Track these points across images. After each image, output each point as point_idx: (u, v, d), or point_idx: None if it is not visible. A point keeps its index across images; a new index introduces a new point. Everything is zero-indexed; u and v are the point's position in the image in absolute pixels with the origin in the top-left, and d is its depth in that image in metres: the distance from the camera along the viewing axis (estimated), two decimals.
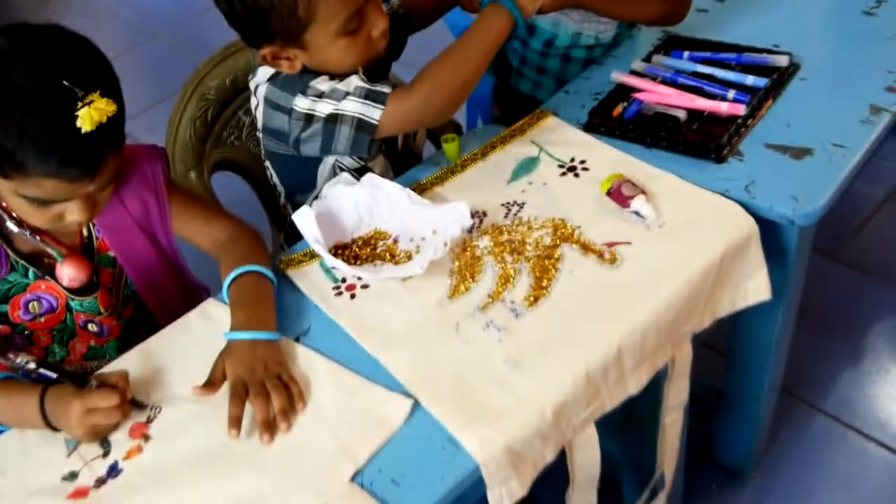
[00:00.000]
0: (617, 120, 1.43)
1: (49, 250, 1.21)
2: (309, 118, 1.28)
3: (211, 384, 1.08)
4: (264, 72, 1.33)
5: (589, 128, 1.44)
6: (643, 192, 1.26)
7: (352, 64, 1.30)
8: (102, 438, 1.07)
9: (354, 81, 1.28)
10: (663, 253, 1.20)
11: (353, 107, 1.26)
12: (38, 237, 1.19)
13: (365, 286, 1.23)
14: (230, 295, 1.19)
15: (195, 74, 1.64)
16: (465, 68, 1.27)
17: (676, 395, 1.30)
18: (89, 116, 1.01)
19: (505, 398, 1.04)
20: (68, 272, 1.21)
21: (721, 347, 1.65)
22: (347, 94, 1.27)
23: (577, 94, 1.55)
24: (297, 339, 1.17)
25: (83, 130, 1.01)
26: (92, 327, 1.27)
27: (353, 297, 1.22)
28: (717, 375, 1.68)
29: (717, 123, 1.38)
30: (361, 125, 1.26)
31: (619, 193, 1.27)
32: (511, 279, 1.20)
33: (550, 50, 1.70)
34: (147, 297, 1.31)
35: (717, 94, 1.41)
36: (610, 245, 1.22)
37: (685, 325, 1.19)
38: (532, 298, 1.16)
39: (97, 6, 3.91)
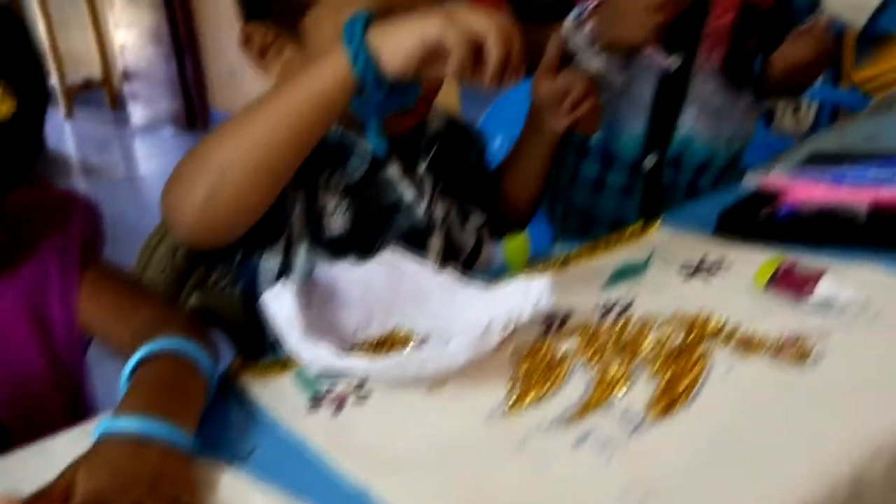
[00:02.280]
0: (763, 221, 0.97)
1: None
2: None
3: (35, 500, 0.55)
4: None
5: (721, 233, 0.98)
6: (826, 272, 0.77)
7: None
8: None
9: None
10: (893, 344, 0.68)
11: None
12: None
13: (363, 397, 0.71)
14: (130, 381, 0.69)
15: None
16: (228, 150, 0.71)
17: None
18: None
19: None
20: None
21: None
22: None
23: (698, 209, 1.10)
24: (228, 463, 0.64)
25: None
26: None
27: (339, 407, 0.70)
28: None
29: None
30: None
31: (792, 277, 0.78)
32: (620, 383, 0.67)
33: (701, 178, 1.25)
34: (10, 420, 0.80)
35: None
36: (792, 340, 0.71)
37: None
38: (661, 406, 0.63)
39: None
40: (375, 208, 0.92)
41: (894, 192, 0.95)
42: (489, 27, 0.66)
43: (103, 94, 6.24)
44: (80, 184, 4.62)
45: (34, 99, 0.69)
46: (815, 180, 1.03)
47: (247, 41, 0.87)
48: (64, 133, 5.78)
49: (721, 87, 1.18)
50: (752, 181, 1.06)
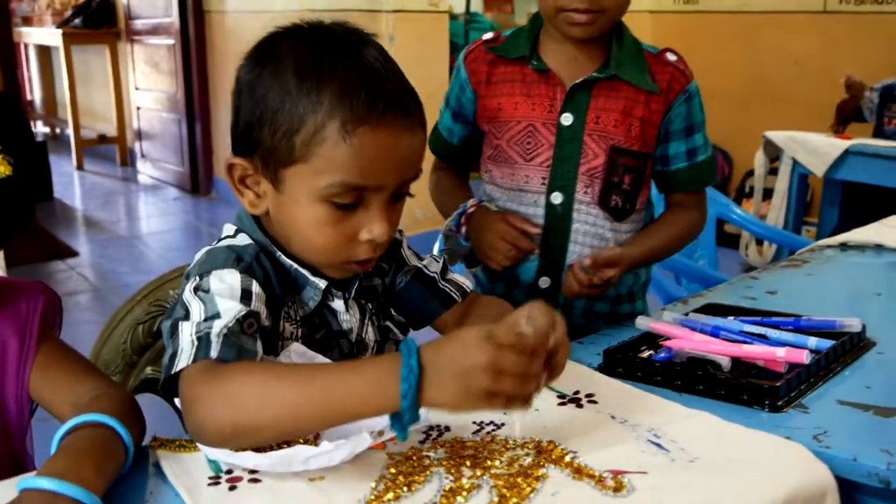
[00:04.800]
0: (641, 362, 1.11)
1: None
2: (183, 311, 0.90)
3: None
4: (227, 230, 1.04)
5: (605, 369, 1.12)
6: None
7: (315, 252, 0.97)
8: None
9: (235, 302, 0.89)
10: (694, 488, 0.81)
11: (186, 334, 0.87)
12: None
13: (255, 480, 0.85)
14: (59, 445, 0.82)
15: (159, 278, 1.39)
16: (264, 413, 0.81)
17: None
18: None
19: None
20: None
21: None
22: (210, 315, 0.88)
23: (593, 344, 1.24)
24: None
25: None
26: None
27: (232, 488, 0.83)
28: None
29: (770, 375, 1.05)
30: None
31: None
32: (463, 493, 0.81)
33: (596, 304, 1.43)
34: None
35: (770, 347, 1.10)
36: (616, 473, 0.84)
37: None
38: None
39: None
40: (323, 333, 1.04)
41: (755, 350, 1.09)
42: (537, 369, 0.80)
43: (115, 150, 6.48)
44: (82, 236, 4.78)
45: (26, 164, 0.85)
46: (694, 329, 1.17)
47: (230, 169, 0.97)
48: (73, 183, 5.99)
49: (602, 219, 1.36)
50: (644, 324, 1.20)
